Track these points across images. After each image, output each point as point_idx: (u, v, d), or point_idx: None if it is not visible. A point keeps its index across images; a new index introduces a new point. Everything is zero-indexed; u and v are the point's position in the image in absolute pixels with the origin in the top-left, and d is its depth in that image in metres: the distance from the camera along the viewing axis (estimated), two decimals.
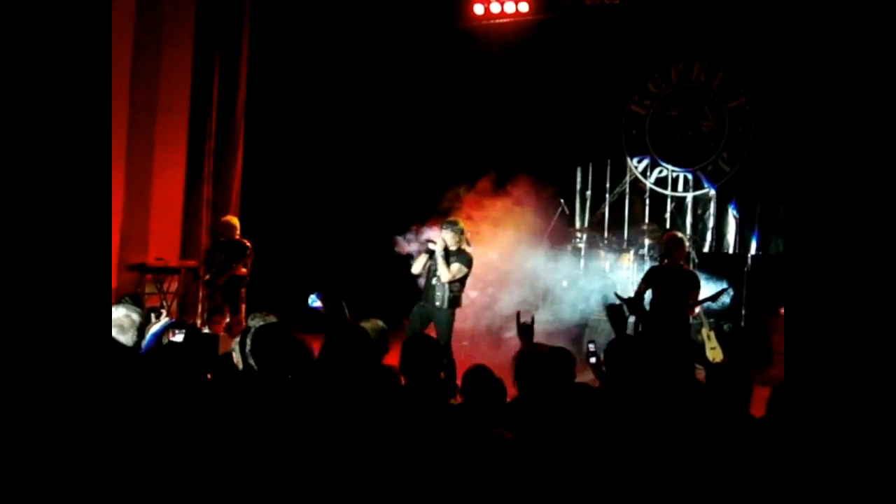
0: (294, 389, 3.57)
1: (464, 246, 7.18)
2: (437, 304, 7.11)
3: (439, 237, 7.13)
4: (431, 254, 7.14)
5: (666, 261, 7.06)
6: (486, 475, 2.96)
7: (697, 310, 6.97)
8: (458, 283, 7.17)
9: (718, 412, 3.14)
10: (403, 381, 3.92)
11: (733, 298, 9.00)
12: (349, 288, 9.17)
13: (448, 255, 7.05)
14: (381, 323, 4.67)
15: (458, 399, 3.87)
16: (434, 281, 7.13)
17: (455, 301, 7.18)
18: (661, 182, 10.81)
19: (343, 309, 4.61)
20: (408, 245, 7.89)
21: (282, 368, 3.63)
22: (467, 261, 7.15)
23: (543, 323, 9.84)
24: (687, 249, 7.12)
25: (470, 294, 8.08)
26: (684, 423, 3.15)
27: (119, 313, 4.11)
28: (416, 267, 7.31)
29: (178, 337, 4.31)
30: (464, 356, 8.17)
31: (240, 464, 3.13)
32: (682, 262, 7.04)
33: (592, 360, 4.53)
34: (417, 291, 7.47)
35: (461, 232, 7.17)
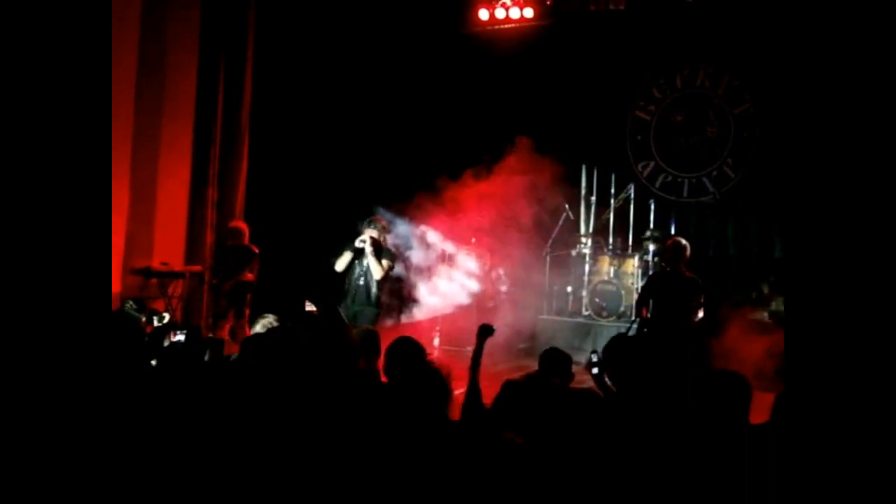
0: (298, 395, 3.57)
1: (385, 244, 7.46)
2: (363, 300, 7.28)
3: (366, 235, 7.26)
4: (357, 252, 7.27)
5: (669, 266, 7.07)
6: (495, 480, 2.97)
7: (700, 314, 6.96)
8: (384, 281, 7.38)
9: (716, 419, 3.13)
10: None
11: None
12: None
13: (379, 252, 7.24)
14: (370, 327, 4.73)
15: None
16: (361, 281, 7.30)
17: (380, 298, 7.38)
18: (666, 187, 10.79)
19: (339, 314, 4.62)
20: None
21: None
22: (392, 256, 7.48)
23: (544, 329, 9.89)
24: (688, 255, 7.10)
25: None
26: (683, 430, 3.15)
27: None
28: (341, 264, 7.39)
29: (180, 337, 4.35)
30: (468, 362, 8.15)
31: (247, 466, 3.13)
32: (684, 268, 7.03)
33: (595, 370, 4.50)
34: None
35: (383, 229, 7.44)
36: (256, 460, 3.12)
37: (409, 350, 4.01)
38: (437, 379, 3.62)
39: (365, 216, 7.65)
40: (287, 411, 3.33)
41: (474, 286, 9.96)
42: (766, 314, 8.51)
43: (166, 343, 4.62)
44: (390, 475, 3.09)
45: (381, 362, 4.35)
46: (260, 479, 3.10)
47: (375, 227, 7.36)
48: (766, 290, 8.76)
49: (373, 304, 7.33)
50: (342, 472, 3.11)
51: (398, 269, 8.56)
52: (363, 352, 4.33)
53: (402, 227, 8.95)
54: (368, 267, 7.28)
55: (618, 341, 4.07)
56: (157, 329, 4.83)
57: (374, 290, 7.31)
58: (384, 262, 7.28)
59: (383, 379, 4.16)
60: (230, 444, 3.19)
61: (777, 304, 8.52)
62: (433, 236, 9.74)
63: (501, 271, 10.15)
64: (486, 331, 4.77)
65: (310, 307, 7.10)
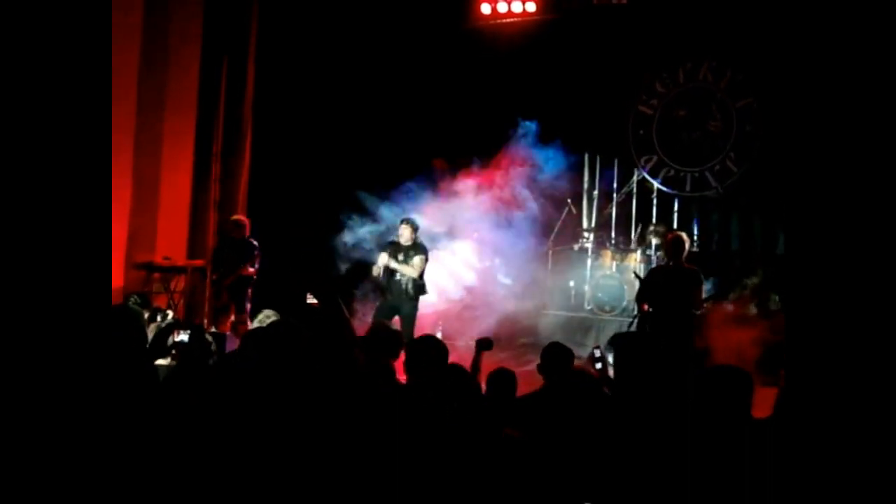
0: (299, 389, 3.57)
1: (417, 240, 7.87)
2: (406, 295, 7.69)
3: (398, 235, 7.78)
4: (391, 252, 7.70)
5: (671, 261, 7.07)
6: (496, 474, 2.98)
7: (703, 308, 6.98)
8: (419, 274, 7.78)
9: (718, 413, 3.13)
10: (406, 381, 3.95)
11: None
12: (354, 288, 9.27)
13: (406, 252, 7.71)
14: (391, 326, 4.74)
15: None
16: (396, 276, 7.71)
17: (420, 290, 7.78)
18: (668, 182, 10.78)
19: (341, 307, 4.64)
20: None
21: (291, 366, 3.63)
22: (425, 251, 7.86)
23: (546, 324, 9.91)
24: (688, 248, 7.10)
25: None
26: (685, 425, 3.15)
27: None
28: (379, 264, 7.82)
29: (183, 336, 4.35)
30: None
31: (248, 462, 3.14)
32: (684, 262, 7.03)
33: (598, 365, 4.49)
34: None
35: (417, 228, 7.88)
36: (257, 454, 3.13)
37: (433, 349, 4.01)
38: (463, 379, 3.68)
39: (352, 208, 7.90)
40: (287, 406, 3.33)
41: (475, 280, 9.97)
42: (753, 306, 8.54)
43: (170, 342, 4.62)
44: (390, 471, 3.10)
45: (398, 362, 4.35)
46: (259, 473, 3.11)
47: (409, 225, 7.82)
48: (755, 281, 8.79)
49: (411, 298, 7.73)
50: (341, 466, 3.12)
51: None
52: (376, 350, 4.30)
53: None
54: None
55: (621, 339, 4.07)
56: (161, 330, 4.83)
57: (410, 284, 7.70)
58: (416, 259, 7.69)
59: (401, 377, 4.15)
60: (231, 439, 3.19)
61: (766, 297, 8.55)
62: (435, 229, 9.76)
63: (498, 261, 10.15)
64: (483, 344, 4.86)
65: (311, 300, 7.19)
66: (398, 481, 3.12)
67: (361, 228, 9.30)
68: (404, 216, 8.15)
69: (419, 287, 7.75)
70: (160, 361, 4.71)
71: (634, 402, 3.62)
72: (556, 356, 4.36)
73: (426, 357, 3.95)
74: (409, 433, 3.32)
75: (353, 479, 3.12)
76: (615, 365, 4.00)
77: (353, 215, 9.39)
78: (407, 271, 7.64)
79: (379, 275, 7.81)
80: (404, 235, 7.75)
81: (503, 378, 4.20)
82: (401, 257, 7.71)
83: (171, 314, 6.34)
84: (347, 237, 9.31)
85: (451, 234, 9.91)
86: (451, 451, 3.16)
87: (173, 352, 4.56)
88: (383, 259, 7.74)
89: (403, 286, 7.69)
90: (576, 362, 4.54)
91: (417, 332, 5.16)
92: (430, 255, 8.13)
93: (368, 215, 9.58)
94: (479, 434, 3.27)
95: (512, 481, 3.04)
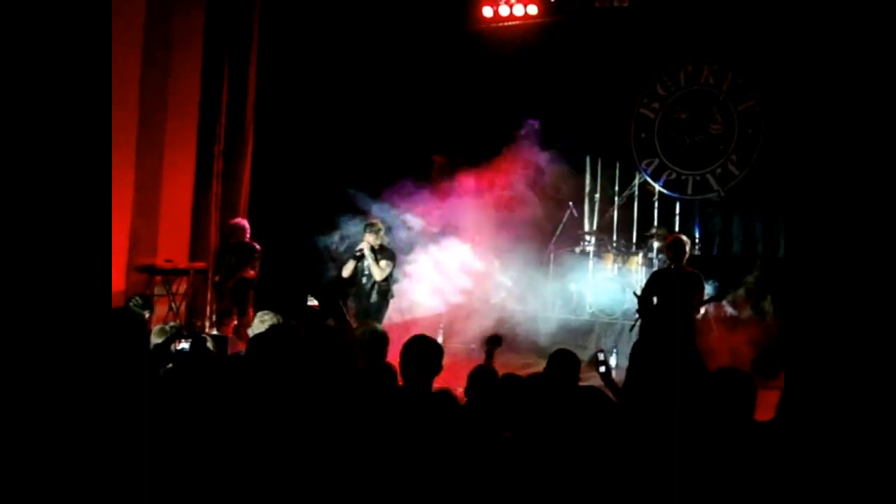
0: (295, 392, 3.56)
1: (384, 243, 7.97)
2: (371, 299, 7.83)
3: (363, 241, 7.81)
4: (359, 258, 7.82)
5: (673, 264, 7.06)
6: (490, 476, 2.97)
7: (703, 310, 6.97)
8: (387, 278, 7.91)
9: (722, 416, 3.13)
10: (401, 382, 3.94)
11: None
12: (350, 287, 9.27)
13: (375, 255, 7.76)
14: (378, 326, 4.76)
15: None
16: (364, 280, 7.85)
17: (386, 293, 7.91)
18: (670, 185, 10.78)
19: (342, 309, 4.65)
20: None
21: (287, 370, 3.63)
22: (392, 255, 8.02)
23: (547, 327, 9.90)
24: (689, 251, 7.09)
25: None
26: (688, 427, 3.14)
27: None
28: (346, 271, 7.97)
29: (185, 345, 4.34)
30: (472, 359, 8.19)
31: (243, 465, 3.13)
32: (685, 264, 7.02)
33: (602, 368, 4.45)
34: None
35: (379, 231, 7.93)
36: (258, 457, 3.12)
37: (428, 349, 4.00)
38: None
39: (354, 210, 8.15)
40: (288, 408, 3.33)
41: (476, 283, 9.96)
42: (748, 308, 8.53)
43: (172, 349, 4.61)
44: (390, 472, 3.10)
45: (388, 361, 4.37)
46: (259, 474, 3.10)
47: (373, 231, 7.83)
48: (750, 281, 8.78)
49: (375, 301, 7.83)
50: (341, 467, 3.11)
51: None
52: (366, 351, 4.34)
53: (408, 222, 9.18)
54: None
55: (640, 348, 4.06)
56: (167, 337, 4.82)
57: (380, 287, 7.80)
58: (382, 262, 7.77)
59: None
60: (231, 441, 3.19)
61: (761, 300, 8.54)
62: (437, 233, 9.76)
63: (498, 264, 10.16)
64: (493, 341, 4.82)
65: (311, 302, 7.24)
66: (398, 482, 3.12)
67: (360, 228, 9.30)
68: (368, 220, 8.22)
69: (383, 291, 7.85)
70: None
71: (641, 405, 3.61)
72: (563, 363, 4.34)
73: (420, 358, 3.93)
74: (409, 434, 3.31)
75: (353, 480, 3.12)
76: (627, 371, 3.99)
77: (354, 216, 9.38)
78: (374, 271, 7.73)
79: (349, 276, 7.92)
80: (370, 241, 7.77)
81: (511, 383, 4.18)
82: (368, 261, 7.80)
83: (173, 323, 6.34)
84: (348, 238, 9.30)
85: (451, 235, 9.91)
86: (450, 452, 3.15)
87: (177, 358, 4.55)
88: (351, 264, 7.85)
89: (367, 290, 7.82)
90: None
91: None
92: (430, 254, 8.18)
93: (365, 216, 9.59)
94: (476, 435, 3.27)
95: (512, 483, 3.03)
